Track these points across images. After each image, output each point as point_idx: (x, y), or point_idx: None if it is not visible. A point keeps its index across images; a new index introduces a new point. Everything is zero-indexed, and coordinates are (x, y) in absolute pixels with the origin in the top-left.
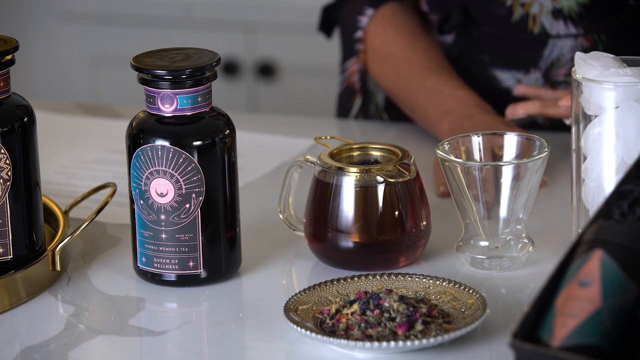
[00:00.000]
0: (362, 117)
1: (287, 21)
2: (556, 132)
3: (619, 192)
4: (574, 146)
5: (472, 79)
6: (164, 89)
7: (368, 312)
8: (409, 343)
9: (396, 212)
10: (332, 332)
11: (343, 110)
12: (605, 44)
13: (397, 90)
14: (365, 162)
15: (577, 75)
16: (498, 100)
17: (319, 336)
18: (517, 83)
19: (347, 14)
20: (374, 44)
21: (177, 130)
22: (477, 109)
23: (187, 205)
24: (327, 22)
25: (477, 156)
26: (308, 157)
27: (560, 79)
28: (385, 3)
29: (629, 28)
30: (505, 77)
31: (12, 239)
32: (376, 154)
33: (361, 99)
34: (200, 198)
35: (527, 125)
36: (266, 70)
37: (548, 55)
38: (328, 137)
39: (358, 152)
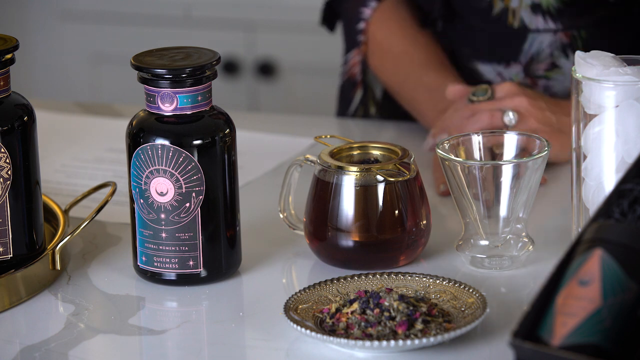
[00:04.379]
0: (363, 110)
1: (287, 20)
2: None
3: (619, 191)
4: (574, 145)
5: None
6: (164, 87)
7: (368, 311)
8: (408, 342)
9: (396, 211)
10: (332, 331)
11: (344, 102)
12: (584, 40)
13: (395, 84)
14: (365, 161)
15: (577, 74)
16: None
17: (319, 335)
18: (497, 76)
19: (351, 6)
20: (375, 37)
21: (177, 129)
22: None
23: (187, 204)
24: (330, 16)
25: (477, 155)
26: (308, 156)
27: (540, 74)
28: None
29: (609, 25)
30: (487, 70)
31: (12, 238)
32: (376, 153)
33: (362, 91)
34: (200, 197)
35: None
36: (266, 69)
37: (528, 49)
38: (328, 136)
39: (358, 151)
